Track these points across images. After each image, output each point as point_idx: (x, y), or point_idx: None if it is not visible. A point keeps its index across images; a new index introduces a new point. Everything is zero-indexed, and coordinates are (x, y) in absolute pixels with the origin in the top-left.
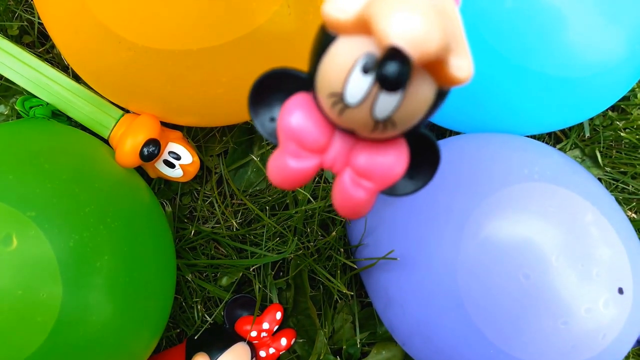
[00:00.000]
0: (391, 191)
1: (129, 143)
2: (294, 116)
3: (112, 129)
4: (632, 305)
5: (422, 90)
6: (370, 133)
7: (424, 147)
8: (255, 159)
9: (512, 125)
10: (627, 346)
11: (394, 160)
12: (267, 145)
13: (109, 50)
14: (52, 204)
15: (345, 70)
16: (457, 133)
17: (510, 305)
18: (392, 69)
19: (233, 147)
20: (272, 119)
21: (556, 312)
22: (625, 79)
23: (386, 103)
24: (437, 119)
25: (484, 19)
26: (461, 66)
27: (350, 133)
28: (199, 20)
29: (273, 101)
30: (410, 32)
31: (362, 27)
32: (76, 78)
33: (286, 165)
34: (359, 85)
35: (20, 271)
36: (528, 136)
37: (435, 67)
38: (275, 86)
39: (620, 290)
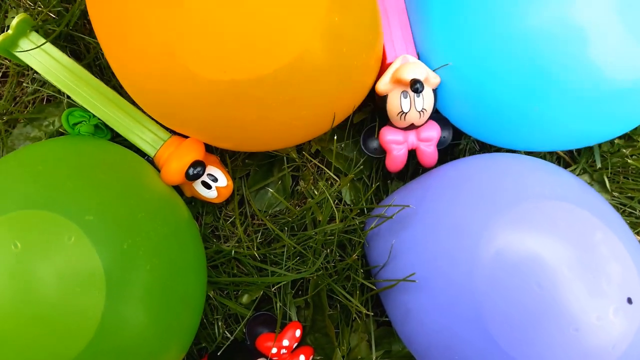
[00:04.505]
0: (443, 141)
1: (177, 162)
2: (389, 135)
3: (159, 149)
4: None
5: (427, 91)
6: (419, 120)
7: (442, 121)
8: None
9: (539, 140)
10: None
11: (434, 130)
12: (288, 168)
13: (173, 82)
14: (108, 210)
15: (398, 102)
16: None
17: (524, 314)
18: (416, 84)
19: (255, 169)
20: (373, 144)
21: (568, 319)
22: None
23: (418, 102)
24: (477, 133)
25: (509, 39)
26: (435, 80)
27: (411, 128)
28: (252, 52)
29: (370, 139)
30: (416, 73)
31: (395, 83)
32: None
33: (394, 156)
34: (405, 103)
35: (69, 278)
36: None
37: (426, 81)
38: (370, 132)
39: (629, 300)
